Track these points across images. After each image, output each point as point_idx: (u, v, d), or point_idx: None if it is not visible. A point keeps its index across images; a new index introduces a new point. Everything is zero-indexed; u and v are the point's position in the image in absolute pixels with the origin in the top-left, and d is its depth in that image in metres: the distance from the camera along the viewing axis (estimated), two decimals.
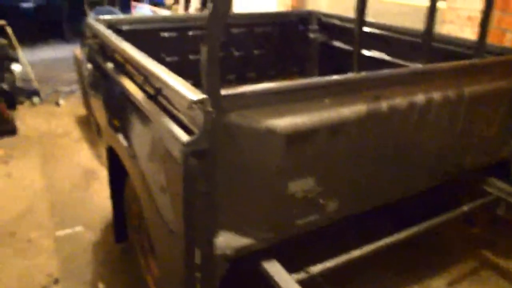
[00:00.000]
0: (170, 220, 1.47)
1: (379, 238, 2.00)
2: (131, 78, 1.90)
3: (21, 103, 5.36)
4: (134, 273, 2.51)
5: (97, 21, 2.85)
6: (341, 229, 2.03)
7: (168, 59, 3.23)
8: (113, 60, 2.18)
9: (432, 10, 1.89)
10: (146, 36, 3.19)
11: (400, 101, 1.80)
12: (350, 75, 1.67)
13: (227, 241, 1.53)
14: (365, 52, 3.44)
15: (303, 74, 4.05)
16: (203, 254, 1.43)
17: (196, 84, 1.39)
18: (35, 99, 5.47)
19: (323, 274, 1.75)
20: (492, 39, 3.44)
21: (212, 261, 1.47)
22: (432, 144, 2.03)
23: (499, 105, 2.27)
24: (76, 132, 4.66)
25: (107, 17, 3.07)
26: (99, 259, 2.70)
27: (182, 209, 1.34)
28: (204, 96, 1.29)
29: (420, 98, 1.87)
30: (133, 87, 1.81)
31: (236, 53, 3.65)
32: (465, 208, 2.26)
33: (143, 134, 1.72)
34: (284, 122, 1.48)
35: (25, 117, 5.03)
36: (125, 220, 2.50)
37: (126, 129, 1.91)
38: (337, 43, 3.72)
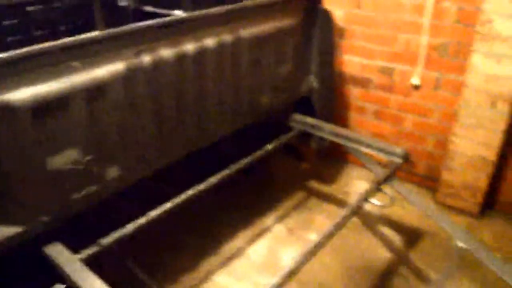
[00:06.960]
0: None
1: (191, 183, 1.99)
2: None
3: None
4: None
5: None
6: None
7: None
8: None
9: None
10: None
11: (167, 53, 1.75)
12: (97, 33, 1.56)
13: None
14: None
15: None
16: None
17: None
18: None
19: (122, 242, 1.70)
20: None
21: None
22: (218, 90, 2.01)
23: (285, 44, 2.32)
24: None
25: None
26: None
27: None
28: None
29: (189, 47, 1.83)
30: None
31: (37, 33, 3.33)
32: (269, 146, 2.36)
33: None
34: (23, 94, 1.35)
35: None
36: None
37: None
38: (148, 8, 3.59)
